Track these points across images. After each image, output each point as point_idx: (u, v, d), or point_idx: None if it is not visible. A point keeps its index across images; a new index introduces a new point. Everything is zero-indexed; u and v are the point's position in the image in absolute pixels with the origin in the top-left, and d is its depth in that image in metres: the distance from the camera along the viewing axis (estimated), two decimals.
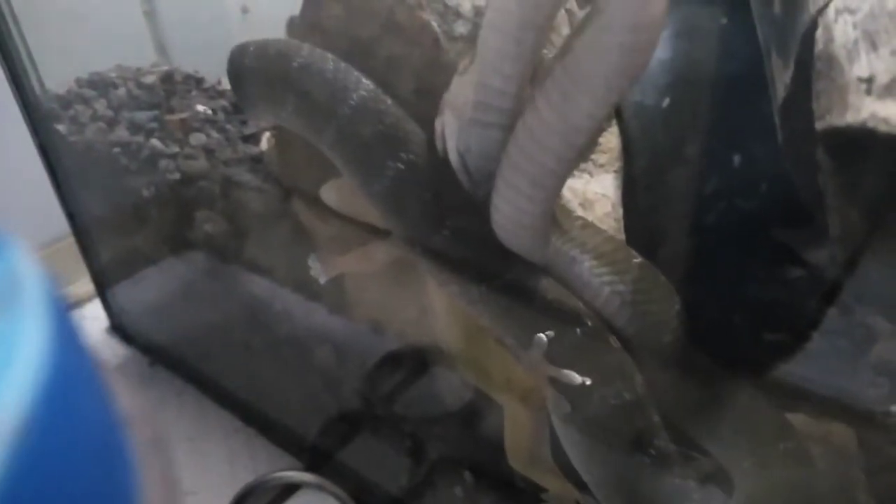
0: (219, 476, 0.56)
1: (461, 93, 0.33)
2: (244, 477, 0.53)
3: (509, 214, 0.32)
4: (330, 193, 0.41)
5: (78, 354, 0.11)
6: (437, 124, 0.35)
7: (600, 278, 0.33)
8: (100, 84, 0.66)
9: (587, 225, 0.36)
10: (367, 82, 0.37)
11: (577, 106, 0.27)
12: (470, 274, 0.35)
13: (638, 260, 0.34)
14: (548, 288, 0.33)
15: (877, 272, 0.33)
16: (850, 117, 0.26)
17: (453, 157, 0.34)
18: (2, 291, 0.11)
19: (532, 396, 0.37)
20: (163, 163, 0.57)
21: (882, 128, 0.25)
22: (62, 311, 0.11)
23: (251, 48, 0.42)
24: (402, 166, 0.35)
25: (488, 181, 0.33)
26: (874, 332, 0.34)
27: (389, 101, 0.37)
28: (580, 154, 0.31)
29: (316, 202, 0.43)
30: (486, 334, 0.38)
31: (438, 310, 0.40)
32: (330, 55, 0.39)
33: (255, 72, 0.42)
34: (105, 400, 0.12)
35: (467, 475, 0.49)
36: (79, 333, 0.12)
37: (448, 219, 0.35)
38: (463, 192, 0.35)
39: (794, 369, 0.35)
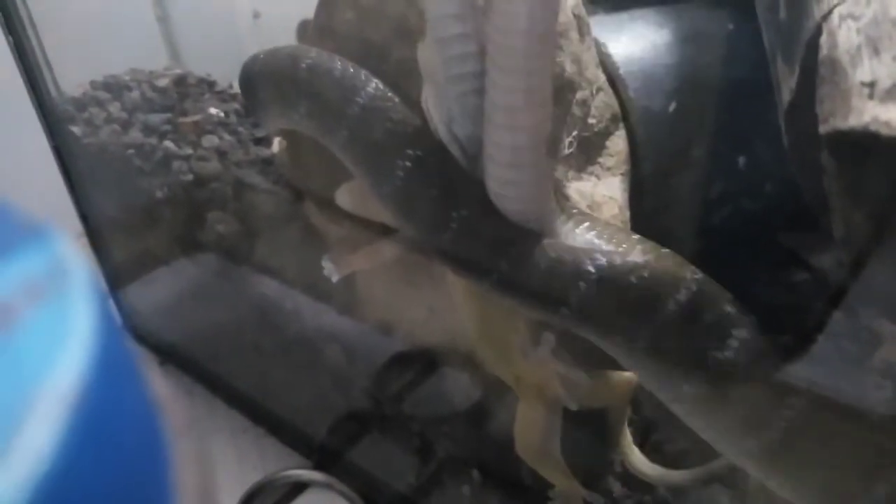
0: (228, 475, 0.56)
1: (428, 57, 0.33)
2: (253, 476, 0.53)
3: (499, 183, 0.32)
4: (344, 196, 0.42)
5: (118, 338, 0.12)
6: (422, 103, 0.35)
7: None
8: (114, 87, 0.67)
9: (582, 212, 0.36)
10: (374, 81, 0.37)
11: (512, 50, 0.28)
12: (477, 272, 0.35)
13: (637, 236, 0.35)
14: (554, 247, 0.33)
15: (881, 275, 0.33)
16: (853, 121, 0.27)
17: (442, 131, 0.34)
18: (50, 277, 0.11)
19: (547, 391, 0.37)
20: (176, 164, 0.58)
21: (884, 131, 0.26)
22: (102, 297, 0.12)
23: (261, 56, 0.43)
24: (410, 164, 0.35)
25: (480, 151, 0.33)
26: (879, 335, 0.35)
27: (397, 100, 0.37)
28: (544, 106, 0.30)
29: (327, 204, 0.44)
30: (505, 322, 0.38)
31: (457, 298, 0.40)
32: (337, 56, 0.39)
33: (265, 77, 0.42)
34: (142, 382, 0.13)
35: (475, 474, 0.49)
36: (115, 319, 0.13)
37: (455, 212, 0.35)
38: (468, 185, 0.35)
39: (798, 372, 0.35)
